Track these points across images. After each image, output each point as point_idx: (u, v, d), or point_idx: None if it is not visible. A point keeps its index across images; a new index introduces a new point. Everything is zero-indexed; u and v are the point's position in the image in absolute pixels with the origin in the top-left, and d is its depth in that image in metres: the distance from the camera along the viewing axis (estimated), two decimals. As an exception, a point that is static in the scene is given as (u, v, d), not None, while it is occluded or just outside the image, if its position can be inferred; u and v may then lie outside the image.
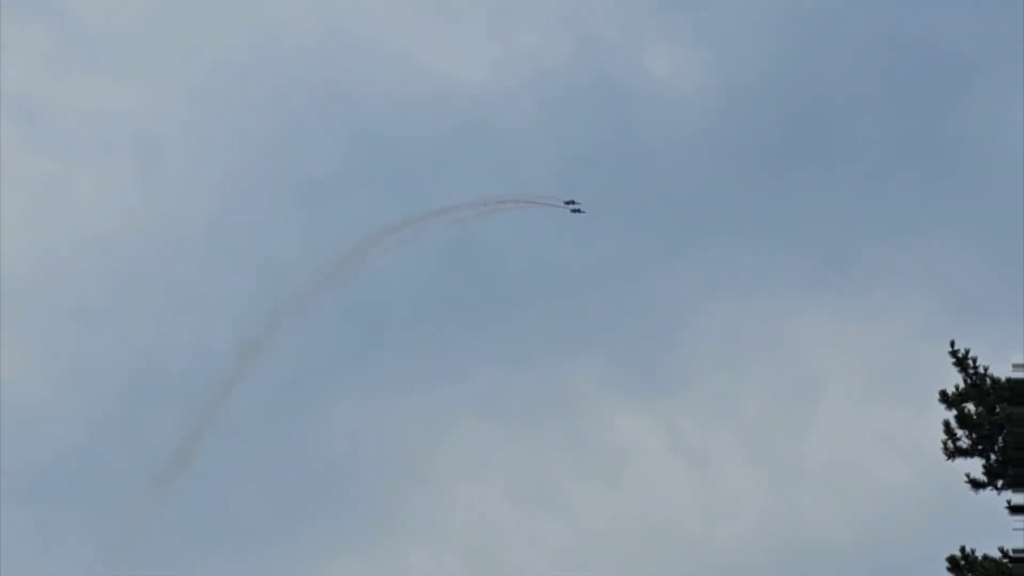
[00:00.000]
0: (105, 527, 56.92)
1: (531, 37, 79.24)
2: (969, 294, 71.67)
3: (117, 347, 74.29)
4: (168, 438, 51.29)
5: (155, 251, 75.04)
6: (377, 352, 72.96)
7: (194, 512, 60.64)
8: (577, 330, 72.40)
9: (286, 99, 77.39)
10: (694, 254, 70.56)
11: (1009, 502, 30.23)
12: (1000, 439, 30.19)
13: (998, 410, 30.09)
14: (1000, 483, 30.26)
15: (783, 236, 76.92)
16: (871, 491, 65.97)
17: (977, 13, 79.89)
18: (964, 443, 30.60)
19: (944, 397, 30.86)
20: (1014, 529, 29.79)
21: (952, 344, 31.11)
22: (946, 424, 30.72)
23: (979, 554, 29.37)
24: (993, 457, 30.36)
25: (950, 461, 30.75)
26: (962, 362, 30.85)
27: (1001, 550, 29.33)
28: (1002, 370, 30.58)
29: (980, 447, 30.42)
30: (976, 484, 30.45)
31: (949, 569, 29.50)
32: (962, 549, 29.48)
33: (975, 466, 30.55)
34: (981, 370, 30.80)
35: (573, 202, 50.50)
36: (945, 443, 30.73)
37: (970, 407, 30.64)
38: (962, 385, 30.80)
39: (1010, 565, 28.88)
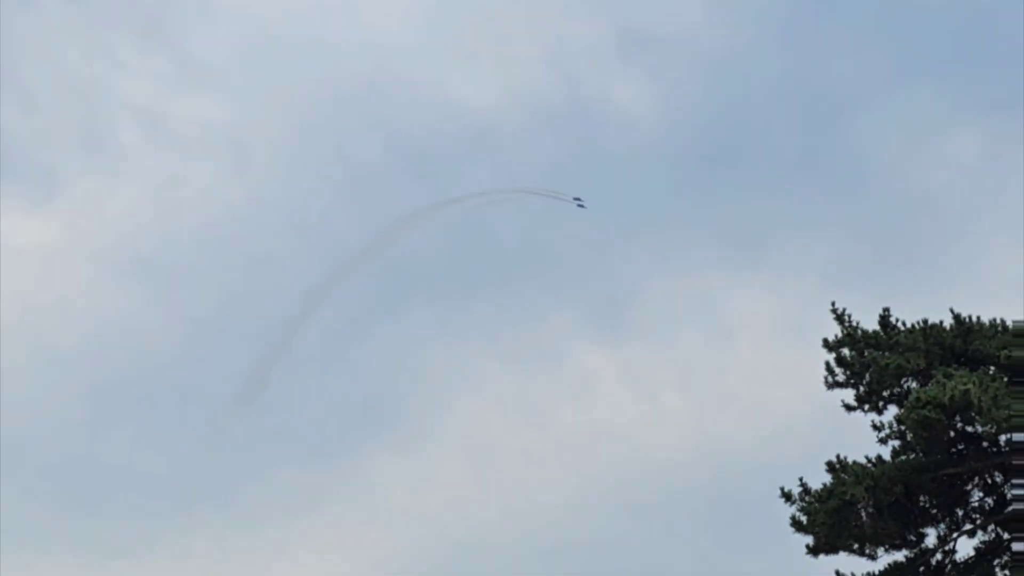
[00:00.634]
0: (194, 433, 66.99)
1: (525, 71, 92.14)
2: (847, 270, 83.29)
3: (212, 295, 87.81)
4: (247, 366, 59.89)
5: (244, 227, 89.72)
6: (408, 304, 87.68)
7: (268, 426, 73.61)
8: (557, 290, 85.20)
9: (343, 113, 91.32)
10: (646, 236, 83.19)
11: (872, 422, 35.35)
12: (867, 375, 34.97)
13: (865, 354, 35.00)
14: (866, 407, 35.25)
15: (713, 224, 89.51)
16: (771, 412, 76.65)
17: (857, 57, 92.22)
18: (840, 378, 35.33)
19: (826, 343, 35.53)
20: (876, 441, 35.12)
21: (833, 304, 35.61)
22: (827, 364, 35.44)
23: (850, 460, 34.09)
24: (861, 388, 35.15)
25: (830, 391, 35.47)
26: (840, 318, 35.51)
27: (866, 457, 34.23)
28: (869, 324, 35.46)
29: (852, 381, 35.24)
30: (849, 408, 35.38)
31: (827, 471, 34.24)
32: (837, 456, 34.29)
33: (848, 395, 35.47)
34: (854, 324, 35.44)
35: (579, 199, 55.87)
36: (826, 378, 35.42)
37: (845, 351, 35.27)
38: (840, 335, 35.46)
39: (872, 468, 33.76)
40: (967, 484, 35.45)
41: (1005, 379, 33.07)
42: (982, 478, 35.49)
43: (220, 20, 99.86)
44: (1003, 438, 33.95)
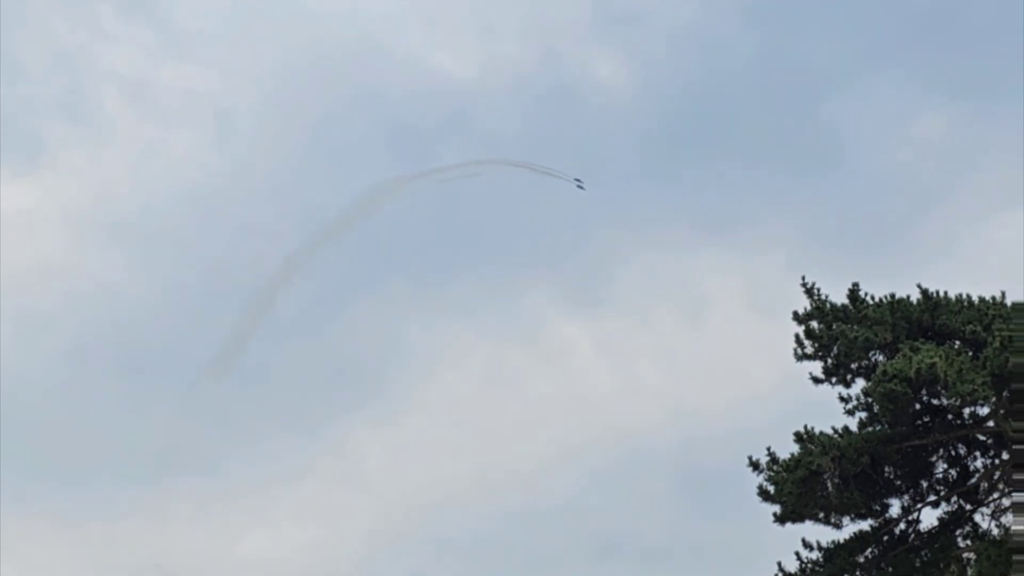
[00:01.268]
0: (172, 399, 67.84)
1: (507, 47, 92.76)
2: (818, 246, 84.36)
3: (193, 262, 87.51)
4: (226, 330, 60.53)
5: (226, 194, 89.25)
6: (387, 276, 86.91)
7: (247, 394, 74.25)
8: (535, 262, 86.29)
9: (326, 86, 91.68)
10: (623, 211, 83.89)
11: (840, 394, 35.67)
12: (835, 348, 35.19)
13: (834, 327, 35.24)
14: (834, 379, 35.61)
15: (687, 200, 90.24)
16: (741, 382, 77.60)
17: (831, 38, 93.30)
18: (809, 350, 35.55)
19: (796, 316, 35.78)
20: (843, 413, 35.47)
21: (803, 278, 35.80)
22: (796, 336, 35.67)
23: (817, 431, 34.48)
24: (829, 361, 35.44)
25: (799, 363, 35.72)
26: (809, 291, 35.79)
27: (833, 428, 34.63)
28: (838, 298, 35.76)
29: (820, 353, 35.49)
30: (817, 380, 35.68)
31: (795, 441, 34.59)
32: (805, 427, 34.62)
33: (816, 367, 35.74)
34: (823, 298, 35.70)
35: (579, 180, 54.65)
36: (795, 350, 35.64)
37: (814, 324, 35.58)
38: (809, 308, 35.76)
39: (839, 439, 34.13)
40: (932, 456, 36.11)
41: (970, 353, 33.64)
42: (946, 450, 36.17)
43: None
44: (967, 411, 34.58)
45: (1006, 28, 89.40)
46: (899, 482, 35.95)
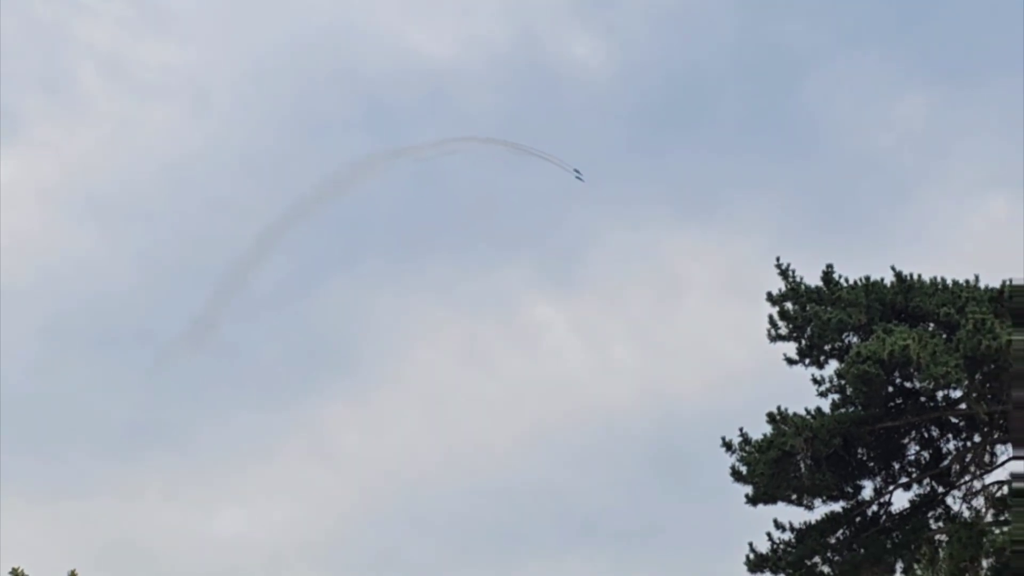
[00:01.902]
0: (145, 374, 67.84)
1: (485, 27, 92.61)
2: (795, 228, 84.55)
3: (169, 236, 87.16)
4: (200, 306, 60.46)
5: (200, 169, 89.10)
6: (362, 253, 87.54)
7: (220, 370, 75.64)
8: (511, 241, 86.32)
9: (304, 62, 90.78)
10: (600, 191, 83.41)
11: (813, 375, 35.72)
12: (808, 329, 35.26)
13: (808, 308, 35.29)
14: (807, 361, 35.67)
15: (664, 181, 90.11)
16: (716, 363, 78.00)
17: (810, 19, 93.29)
18: (783, 332, 35.61)
19: (770, 297, 35.78)
20: (816, 394, 35.65)
21: (778, 259, 35.78)
22: (771, 317, 35.72)
23: (790, 412, 34.33)
24: (803, 342, 35.54)
25: (773, 344, 35.77)
26: (784, 273, 35.81)
27: (806, 409, 34.48)
28: (813, 280, 35.80)
29: (794, 335, 35.57)
30: (791, 361, 35.77)
31: (768, 422, 34.50)
32: (778, 408, 34.49)
33: (790, 348, 35.82)
34: (797, 279, 35.70)
35: (578, 171, 54.54)
36: (769, 331, 35.71)
37: (788, 305, 35.60)
38: (783, 289, 35.73)
39: (812, 420, 34.08)
40: (904, 438, 36.18)
41: (943, 336, 33.67)
42: (919, 432, 36.24)
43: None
44: (940, 393, 34.63)
45: (986, 11, 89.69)
46: (871, 464, 36.03)
